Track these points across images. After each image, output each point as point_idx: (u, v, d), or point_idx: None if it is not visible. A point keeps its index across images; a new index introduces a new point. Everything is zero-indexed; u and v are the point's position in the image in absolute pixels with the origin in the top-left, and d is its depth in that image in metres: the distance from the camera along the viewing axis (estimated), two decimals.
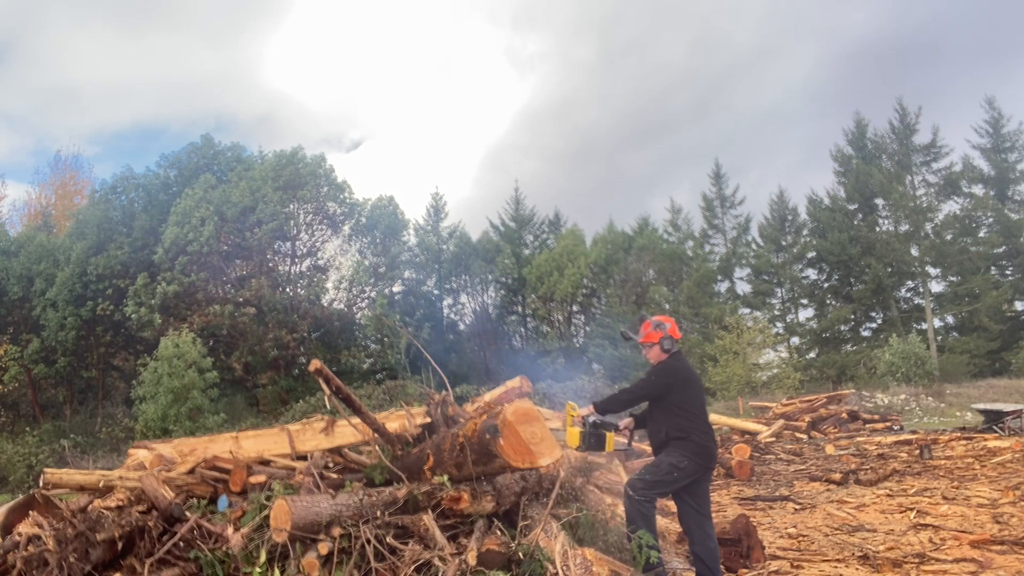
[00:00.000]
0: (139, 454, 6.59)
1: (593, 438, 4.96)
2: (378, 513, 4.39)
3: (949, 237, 41.76)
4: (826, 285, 46.28)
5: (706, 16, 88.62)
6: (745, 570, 5.44)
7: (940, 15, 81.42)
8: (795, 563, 5.69)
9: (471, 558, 3.97)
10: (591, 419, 4.98)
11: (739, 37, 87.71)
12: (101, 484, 5.49)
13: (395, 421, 6.22)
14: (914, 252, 42.38)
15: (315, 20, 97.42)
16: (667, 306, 42.32)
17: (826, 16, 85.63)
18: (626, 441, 5.28)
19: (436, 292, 49.15)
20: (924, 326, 41.38)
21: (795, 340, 45.46)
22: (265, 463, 5.83)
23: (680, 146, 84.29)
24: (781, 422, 17.73)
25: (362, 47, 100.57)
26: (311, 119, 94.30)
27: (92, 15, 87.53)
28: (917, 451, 12.33)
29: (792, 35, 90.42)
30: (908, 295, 44.61)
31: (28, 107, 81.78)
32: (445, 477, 4.61)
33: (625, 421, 5.25)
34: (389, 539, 4.27)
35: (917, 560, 5.60)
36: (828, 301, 45.76)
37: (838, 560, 5.75)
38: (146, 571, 4.33)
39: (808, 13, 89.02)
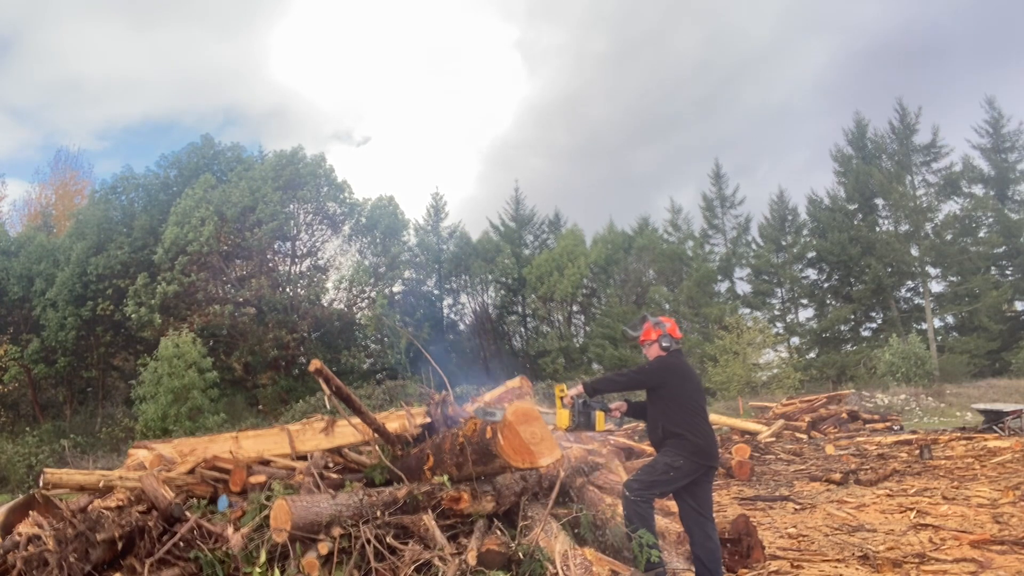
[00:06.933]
0: (139, 454, 6.59)
1: (582, 417, 4.97)
2: (378, 513, 4.39)
3: (949, 237, 41.77)
4: (826, 285, 46.30)
5: (723, 10, 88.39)
6: (745, 570, 5.43)
7: (940, 15, 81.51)
8: (795, 563, 5.69)
9: (471, 558, 3.97)
10: (581, 400, 5.00)
11: (754, 32, 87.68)
12: (101, 484, 5.48)
13: (395, 421, 6.22)
14: (914, 252, 42.38)
15: (324, 14, 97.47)
16: (667, 306, 42.33)
17: (841, 12, 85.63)
18: (616, 425, 5.29)
19: (436, 292, 49.17)
20: (924, 326, 41.38)
21: (795, 340, 45.49)
22: (265, 463, 5.83)
23: (687, 143, 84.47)
24: (781, 422, 17.71)
25: (372, 42, 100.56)
26: (320, 114, 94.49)
27: (100, 8, 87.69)
28: (917, 451, 12.32)
29: (806, 31, 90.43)
30: (908, 295, 44.64)
31: (36, 102, 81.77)
32: (445, 477, 4.61)
33: (616, 404, 5.25)
34: (389, 539, 4.27)
35: (917, 560, 5.60)
36: (828, 301, 45.77)
37: (838, 560, 5.75)
38: (146, 571, 4.33)
39: (825, 7, 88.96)
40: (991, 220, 41.76)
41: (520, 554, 4.11)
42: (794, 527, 7.27)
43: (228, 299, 35.09)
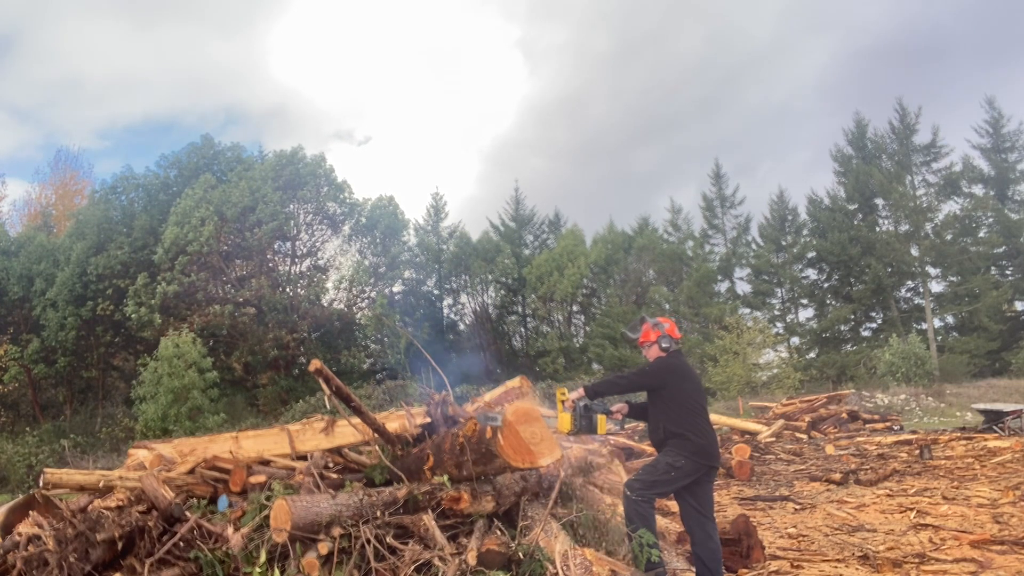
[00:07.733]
0: (139, 454, 6.59)
1: (584, 420, 4.97)
2: (378, 513, 4.39)
3: (949, 237, 41.76)
4: (826, 285, 46.30)
5: (724, 10, 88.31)
6: (745, 570, 5.43)
7: (940, 15, 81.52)
8: (795, 563, 5.69)
9: (471, 558, 3.97)
10: (582, 403, 4.99)
11: (755, 32, 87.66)
12: (101, 484, 5.48)
13: (395, 421, 6.22)
14: (914, 252, 42.38)
15: (324, 14, 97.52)
16: (667, 306, 42.33)
17: (842, 12, 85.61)
18: (617, 427, 5.29)
19: (436, 292, 49.17)
20: (924, 326, 41.38)
21: (795, 340, 45.49)
22: (265, 463, 5.82)
23: (687, 143, 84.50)
24: (781, 422, 17.70)
25: (372, 42, 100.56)
26: (321, 114, 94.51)
27: (100, 7, 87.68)
28: (917, 451, 12.32)
29: (807, 30, 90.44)
30: (908, 295, 44.64)
31: (36, 101, 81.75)
32: (445, 477, 4.60)
33: (618, 406, 5.24)
34: (389, 539, 4.27)
35: (917, 560, 5.60)
36: (828, 301, 45.77)
37: (838, 560, 5.75)
38: (146, 571, 4.33)
39: (825, 7, 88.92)
40: (991, 220, 41.77)
41: (520, 554, 4.11)
42: (794, 527, 7.27)
43: (228, 299, 35.09)
